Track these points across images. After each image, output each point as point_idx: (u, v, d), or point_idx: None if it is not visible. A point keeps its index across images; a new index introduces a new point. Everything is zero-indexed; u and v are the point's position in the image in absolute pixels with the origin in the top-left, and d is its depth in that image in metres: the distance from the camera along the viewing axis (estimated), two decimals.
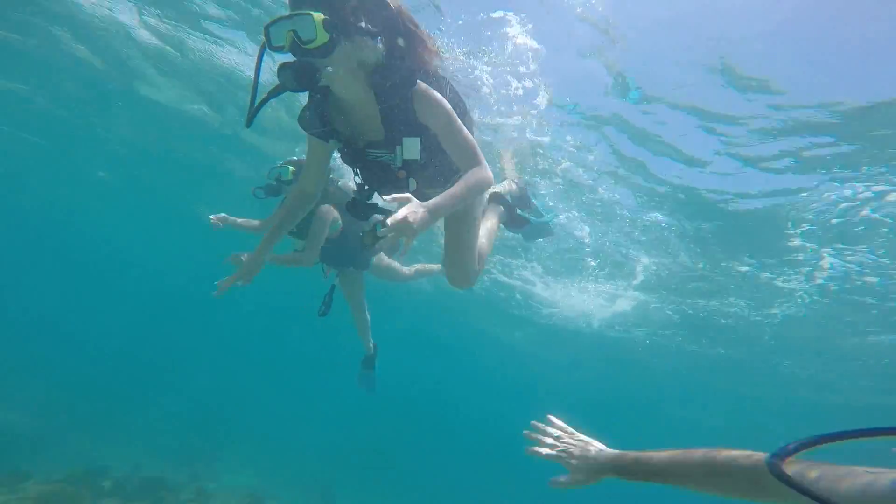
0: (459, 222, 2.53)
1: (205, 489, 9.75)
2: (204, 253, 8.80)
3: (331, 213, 3.80)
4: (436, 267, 5.38)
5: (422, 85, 1.99)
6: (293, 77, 1.82)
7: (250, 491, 10.58)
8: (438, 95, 2.03)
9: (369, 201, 2.32)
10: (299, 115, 2.17)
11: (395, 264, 4.94)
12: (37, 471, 8.14)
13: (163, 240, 17.38)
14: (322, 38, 1.75)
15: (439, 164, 2.22)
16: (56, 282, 26.94)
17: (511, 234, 5.63)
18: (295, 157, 4.19)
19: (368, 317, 4.81)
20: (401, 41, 1.95)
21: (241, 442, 14.66)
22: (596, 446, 1.42)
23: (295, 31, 1.76)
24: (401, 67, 1.94)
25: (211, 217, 3.91)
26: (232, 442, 14.36)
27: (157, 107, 8.72)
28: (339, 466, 16.02)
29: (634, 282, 10.17)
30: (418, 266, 5.47)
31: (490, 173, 2.11)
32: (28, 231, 21.97)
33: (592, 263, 9.57)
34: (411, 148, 2.06)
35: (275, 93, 1.98)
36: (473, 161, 2.08)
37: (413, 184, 2.18)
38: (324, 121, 2.13)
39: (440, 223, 2.30)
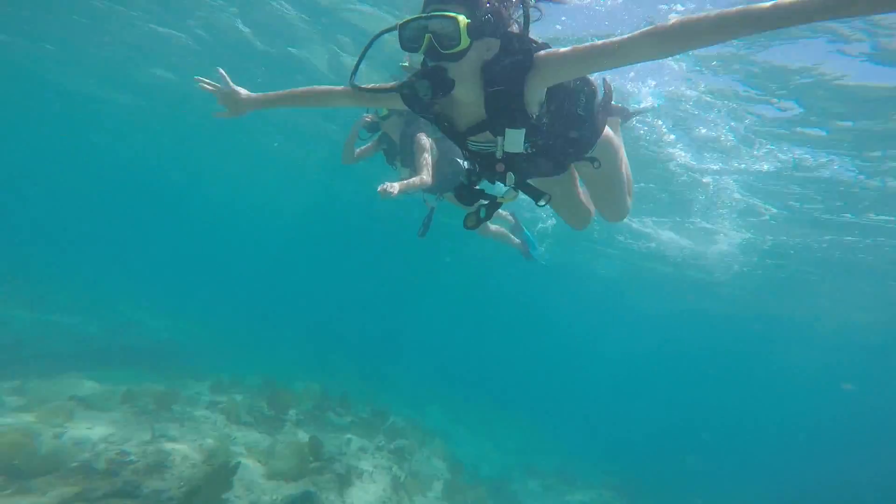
0: (611, 177, 2.54)
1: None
2: None
3: (426, 139, 3.96)
4: (514, 239, 5.58)
5: (539, 56, 1.78)
6: (431, 89, 1.71)
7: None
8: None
9: (476, 187, 2.20)
10: (400, 92, 1.97)
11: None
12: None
13: None
14: (464, 43, 1.64)
15: (547, 155, 2.08)
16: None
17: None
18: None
19: (494, 227, 5.21)
20: (516, 29, 1.80)
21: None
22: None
23: (433, 35, 1.64)
24: (517, 52, 1.77)
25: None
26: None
27: None
28: None
29: None
30: (500, 228, 5.58)
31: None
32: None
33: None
34: (514, 139, 1.88)
35: (390, 100, 1.98)
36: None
37: (511, 178, 2.05)
38: (427, 107, 1.99)
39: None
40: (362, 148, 4.58)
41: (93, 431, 5.08)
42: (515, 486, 10.19)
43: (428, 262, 24.76)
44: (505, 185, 2.09)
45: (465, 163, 2.29)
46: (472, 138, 1.99)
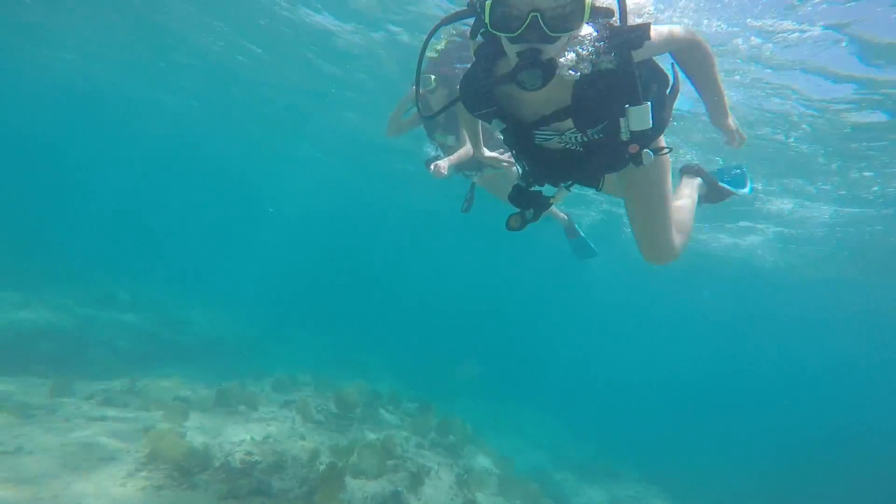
0: (647, 197, 2.27)
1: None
2: None
3: None
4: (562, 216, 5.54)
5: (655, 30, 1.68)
6: (542, 77, 1.58)
7: None
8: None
9: (534, 189, 2.10)
10: (460, 89, 1.90)
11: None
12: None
13: None
14: (582, 24, 1.54)
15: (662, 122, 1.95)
16: None
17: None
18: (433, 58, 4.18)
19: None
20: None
21: None
22: None
23: (541, 14, 1.47)
24: (624, 31, 1.66)
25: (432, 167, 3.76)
26: None
27: None
28: None
29: None
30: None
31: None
32: None
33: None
34: (641, 116, 1.74)
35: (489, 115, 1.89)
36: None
37: (649, 156, 1.88)
38: (489, 99, 1.86)
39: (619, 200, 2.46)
40: (406, 119, 4.54)
41: (211, 432, 5.64)
42: (558, 478, 10.72)
43: (452, 256, 25.35)
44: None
45: (517, 166, 2.16)
46: (543, 129, 1.87)
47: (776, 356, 31.03)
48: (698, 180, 3.05)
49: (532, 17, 1.47)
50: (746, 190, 3.66)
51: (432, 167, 3.69)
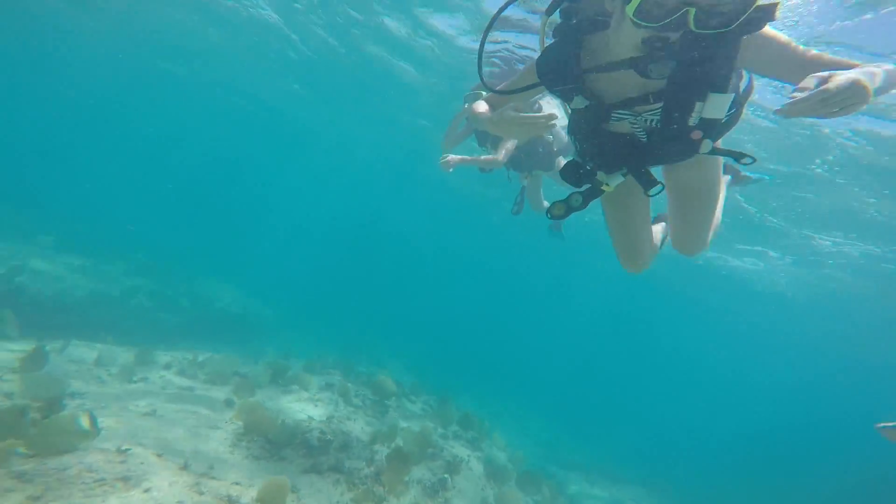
0: (705, 180, 2.22)
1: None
2: None
3: None
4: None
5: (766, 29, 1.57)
6: (672, 69, 1.57)
7: None
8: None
9: (586, 169, 2.05)
10: (539, 64, 1.85)
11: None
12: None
13: None
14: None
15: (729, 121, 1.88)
16: None
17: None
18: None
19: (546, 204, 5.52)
20: None
21: None
22: None
23: (699, 8, 1.40)
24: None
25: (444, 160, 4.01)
26: None
27: None
28: None
29: None
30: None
31: None
32: None
33: None
34: (720, 105, 1.68)
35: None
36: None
37: (708, 145, 1.81)
38: (573, 74, 1.79)
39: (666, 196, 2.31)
40: (460, 132, 4.87)
41: (274, 408, 6.06)
42: (561, 477, 11.27)
43: (456, 256, 25.84)
44: (698, 152, 1.84)
45: (577, 145, 2.09)
46: (621, 111, 1.83)
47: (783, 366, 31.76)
48: (728, 177, 3.11)
49: (690, 11, 1.40)
50: (766, 176, 3.82)
51: (441, 160, 3.97)
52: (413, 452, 7.12)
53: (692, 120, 1.71)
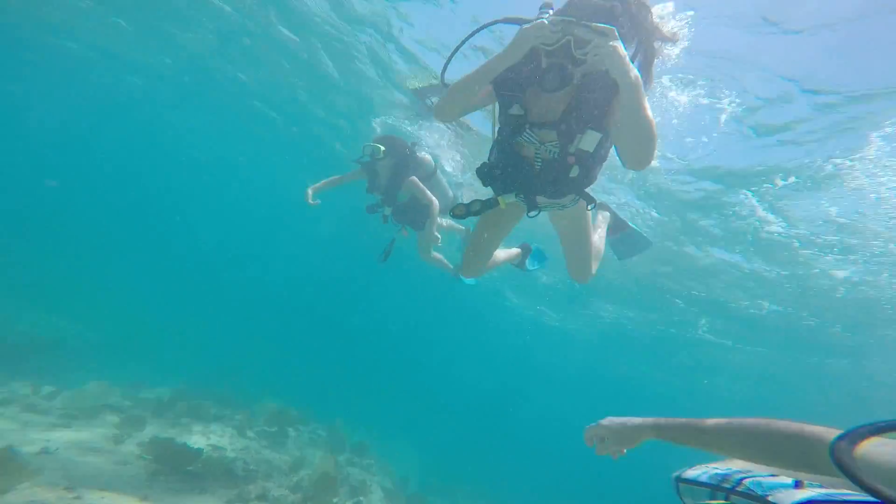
0: (577, 227, 2.74)
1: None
2: None
3: (417, 182, 4.38)
4: (448, 264, 5.27)
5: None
6: (560, 80, 1.91)
7: None
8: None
9: (498, 172, 2.31)
10: (497, 77, 2.11)
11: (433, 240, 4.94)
12: None
13: None
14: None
15: (600, 158, 2.24)
16: None
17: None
18: (379, 136, 4.55)
19: (438, 255, 5.12)
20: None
21: None
22: (634, 421, 1.29)
23: (574, 39, 1.84)
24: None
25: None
26: None
27: None
28: None
29: None
30: (439, 255, 5.28)
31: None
32: None
33: None
34: (590, 140, 2.07)
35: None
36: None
37: (576, 170, 2.16)
38: (518, 88, 2.12)
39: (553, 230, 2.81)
40: (336, 178, 4.66)
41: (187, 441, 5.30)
42: (445, 500, 11.65)
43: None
44: (569, 176, 2.18)
45: (491, 156, 2.33)
46: (535, 131, 2.16)
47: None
48: (608, 214, 3.69)
49: (567, 39, 1.84)
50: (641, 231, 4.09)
51: (434, 241, 4.25)
52: (335, 479, 6.80)
53: (572, 148, 2.09)
